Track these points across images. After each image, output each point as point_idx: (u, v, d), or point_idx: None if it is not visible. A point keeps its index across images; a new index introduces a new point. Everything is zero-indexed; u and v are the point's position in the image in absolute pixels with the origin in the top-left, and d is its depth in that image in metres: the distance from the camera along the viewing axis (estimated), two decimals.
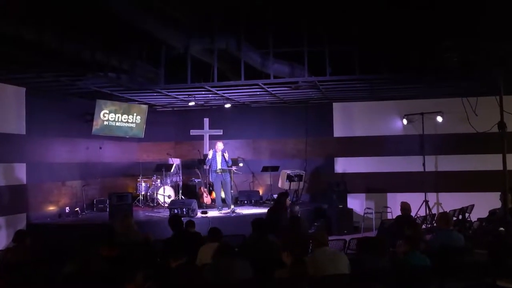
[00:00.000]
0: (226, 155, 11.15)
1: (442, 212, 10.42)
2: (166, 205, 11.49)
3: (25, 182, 9.93)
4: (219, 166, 11.08)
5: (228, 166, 11.09)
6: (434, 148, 12.40)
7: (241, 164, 13.11)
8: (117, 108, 11.54)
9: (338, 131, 13.20)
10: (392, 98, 12.56)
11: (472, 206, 10.36)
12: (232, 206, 10.79)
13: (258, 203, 12.45)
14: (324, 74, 9.28)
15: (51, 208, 10.66)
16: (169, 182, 12.71)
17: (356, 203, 12.49)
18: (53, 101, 10.67)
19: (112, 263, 4.98)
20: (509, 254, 5.53)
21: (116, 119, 11.56)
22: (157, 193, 12.30)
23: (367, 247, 5.29)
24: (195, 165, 13.18)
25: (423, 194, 11.95)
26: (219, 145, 11.30)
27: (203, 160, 12.73)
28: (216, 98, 11.80)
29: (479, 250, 6.16)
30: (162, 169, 12.23)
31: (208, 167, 11.95)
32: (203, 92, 10.91)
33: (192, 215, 10.03)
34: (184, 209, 10.10)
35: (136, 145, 13.83)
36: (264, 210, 11.35)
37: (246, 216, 10.28)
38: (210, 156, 11.17)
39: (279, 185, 12.65)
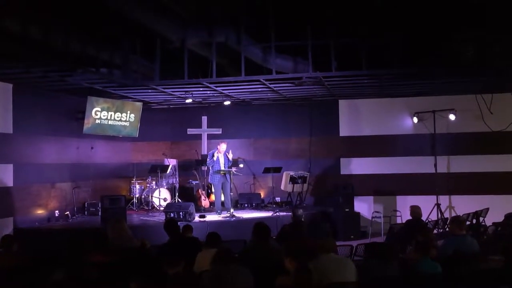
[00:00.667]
0: (230, 155, 11.16)
1: (454, 216, 10.41)
2: (162, 208, 11.49)
3: (11, 184, 9.92)
4: (222, 167, 11.08)
5: (228, 167, 11.10)
6: (446, 148, 12.38)
7: (241, 165, 13.11)
8: (110, 105, 11.54)
9: (345, 130, 13.19)
10: (401, 95, 12.54)
11: (487, 209, 10.35)
12: (232, 210, 10.79)
13: (259, 206, 12.46)
14: (330, 69, 9.28)
15: (40, 211, 10.66)
16: (165, 184, 12.72)
17: (364, 206, 12.48)
18: (42, 98, 10.67)
19: (104, 270, 4.98)
20: None
21: (109, 117, 11.56)
22: (152, 196, 12.31)
23: (375, 253, 5.28)
24: (193, 166, 13.18)
25: (435, 197, 11.94)
26: (223, 146, 11.25)
27: (201, 161, 12.74)
28: (215, 95, 11.80)
29: (494, 257, 6.15)
30: (157, 170, 12.23)
31: (206, 168, 11.93)
32: (201, 89, 10.91)
33: (189, 219, 10.03)
34: (180, 213, 10.11)
35: (129, 145, 13.83)
36: (265, 214, 11.38)
37: (247, 221, 10.29)
38: (215, 158, 11.12)
39: (282, 187, 12.65)
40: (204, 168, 12.78)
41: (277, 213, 11.16)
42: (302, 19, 9.08)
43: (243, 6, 8.89)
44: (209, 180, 11.83)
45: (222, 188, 11.21)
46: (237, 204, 12.42)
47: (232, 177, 11.13)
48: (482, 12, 8.16)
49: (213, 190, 12.14)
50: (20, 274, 5.22)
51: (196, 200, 12.20)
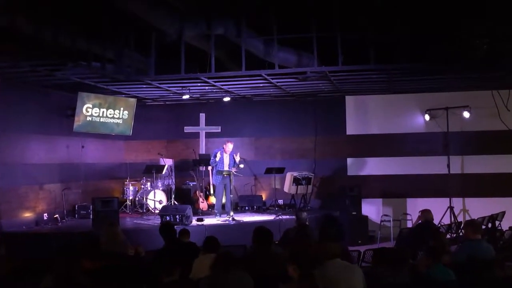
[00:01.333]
0: (238, 158, 11.18)
1: (469, 219, 10.41)
2: (157, 211, 11.50)
3: None
4: (226, 168, 11.09)
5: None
6: (460, 147, 12.38)
7: (241, 166, 13.07)
8: (102, 101, 11.55)
9: (352, 128, 13.19)
10: (412, 91, 12.55)
11: (503, 213, 10.36)
12: (232, 213, 10.80)
13: (260, 209, 12.45)
14: (336, 63, 9.27)
15: (27, 214, 10.67)
16: (160, 185, 12.72)
17: (372, 209, 12.49)
18: (30, 94, 10.68)
19: (96, 277, 4.99)
20: None
21: (101, 114, 11.56)
22: (146, 198, 12.31)
23: (384, 259, 5.28)
24: (190, 166, 13.19)
25: (448, 199, 11.94)
26: (229, 146, 11.28)
27: (198, 161, 12.74)
28: (214, 90, 11.81)
29: (511, 263, 6.15)
30: (152, 170, 12.24)
31: (204, 169, 11.92)
32: (199, 84, 10.91)
33: (186, 222, 10.04)
34: (177, 216, 10.11)
35: (123, 144, 13.85)
36: (267, 217, 11.39)
37: (248, 224, 10.30)
38: (217, 158, 11.15)
39: (285, 189, 12.66)
40: (202, 168, 12.78)
41: (280, 217, 11.17)
42: (307, 10, 9.08)
43: None
44: (212, 180, 11.84)
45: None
46: (237, 206, 12.41)
47: (232, 178, 11.15)
48: (493, 5, 8.17)
49: (211, 191, 12.15)
50: (7, 280, 5.23)
51: (194, 203, 12.21)
